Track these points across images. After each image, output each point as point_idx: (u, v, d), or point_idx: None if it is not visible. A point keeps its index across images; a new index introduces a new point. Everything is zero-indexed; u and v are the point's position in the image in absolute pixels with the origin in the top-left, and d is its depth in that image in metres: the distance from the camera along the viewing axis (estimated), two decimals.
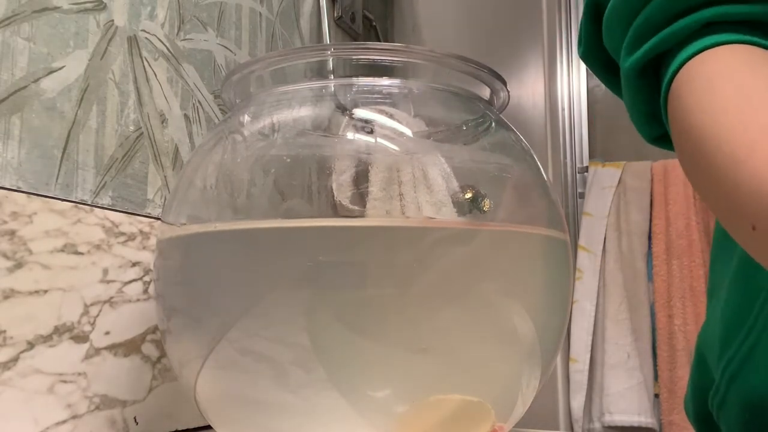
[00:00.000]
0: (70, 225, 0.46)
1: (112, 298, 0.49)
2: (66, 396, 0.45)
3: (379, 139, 0.41)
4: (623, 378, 1.22)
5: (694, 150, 0.27)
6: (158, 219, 0.54)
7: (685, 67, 0.28)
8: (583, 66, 1.28)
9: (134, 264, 0.51)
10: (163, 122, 0.61)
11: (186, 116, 0.64)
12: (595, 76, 0.42)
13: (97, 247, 0.48)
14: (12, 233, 0.42)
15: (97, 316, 0.48)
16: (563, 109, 1.25)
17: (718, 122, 0.25)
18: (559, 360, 1.23)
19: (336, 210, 0.44)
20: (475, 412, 0.36)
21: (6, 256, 0.42)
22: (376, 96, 0.42)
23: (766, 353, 0.37)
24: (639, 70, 0.32)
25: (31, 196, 0.44)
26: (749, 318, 0.39)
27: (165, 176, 0.60)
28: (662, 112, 0.31)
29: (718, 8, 0.29)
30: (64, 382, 0.45)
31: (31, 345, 0.43)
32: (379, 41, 1.15)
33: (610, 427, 1.23)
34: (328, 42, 0.93)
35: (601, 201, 1.32)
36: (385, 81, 0.41)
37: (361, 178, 0.41)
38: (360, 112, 0.42)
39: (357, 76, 0.42)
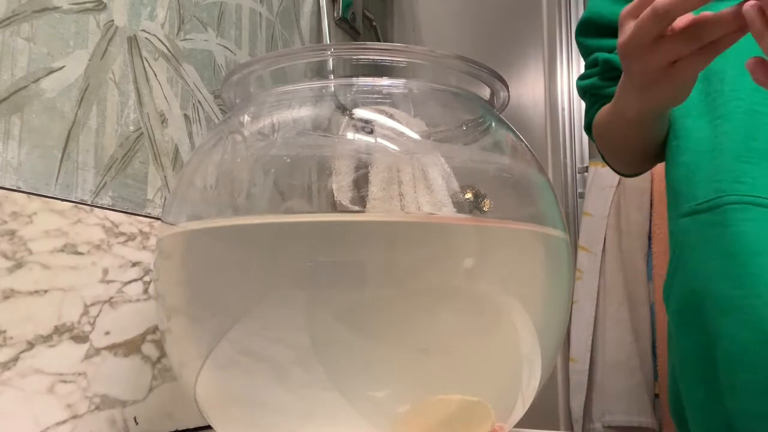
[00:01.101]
0: (70, 225, 0.46)
1: (112, 298, 0.49)
2: (66, 396, 0.45)
3: (379, 139, 0.41)
4: (623, 378, 1.22)
5: (604, 136, 0.64)
6: (158, 219, 0.54)
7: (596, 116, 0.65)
8: (583, 65, 1.28)
9: (134, 264, 0.51)
10: (163, 122, 0.61)
11: (186, 116, 0.64)
12: None
13: (97, 247, 0.48)
14: (12, 233, 0.42)
15: (97, 316, 0.48)
16: (563, 109, 1.25)
17: (604, 125, 0.63)
18: (559, 360, 1.22)
19: (336, 209, 0.44)
20: (475, 412, 0.36)
21: (6, 256, 0.42)
22: (376, 96, 0.42)
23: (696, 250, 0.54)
24: (581, 95, 0.68)
25: (31, 196, 0.44)
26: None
27: (165, 176, 0.60)
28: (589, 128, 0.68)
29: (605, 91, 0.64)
30: (64, 382, 0.45)
31: (31, 345, 0.43)
32: (379, 41, 1.15)
33: (610, 427, 1.23)
34: (328, 42, 0.92)
35: (601, 201, 1.32)
36: (385, 81, 0.41)
37: (361, 178, 0.41)
38: (360, 112, 0.42)
39: (357, 76, 0.42)
